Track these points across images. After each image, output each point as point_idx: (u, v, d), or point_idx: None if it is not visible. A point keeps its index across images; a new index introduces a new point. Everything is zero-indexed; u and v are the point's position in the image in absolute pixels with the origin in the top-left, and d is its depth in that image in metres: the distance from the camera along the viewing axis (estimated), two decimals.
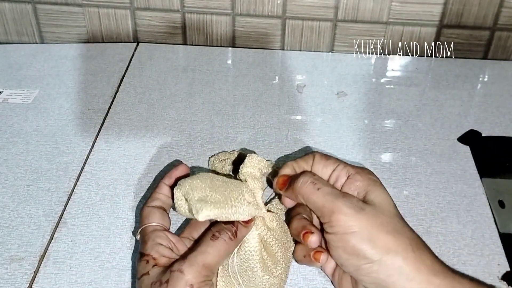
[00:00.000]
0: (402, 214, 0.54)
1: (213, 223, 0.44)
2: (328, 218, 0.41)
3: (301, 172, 0.46)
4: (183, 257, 0.40)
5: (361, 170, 0.45)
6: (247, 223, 0.43)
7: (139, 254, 0.42)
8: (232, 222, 0.42)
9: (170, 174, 0.48)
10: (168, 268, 0.39)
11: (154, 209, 0.45)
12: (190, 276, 0.38)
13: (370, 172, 0.45)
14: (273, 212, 0.47)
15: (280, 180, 0.46)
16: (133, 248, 0.50)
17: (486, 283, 0.46)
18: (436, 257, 0.41)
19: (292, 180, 0.45)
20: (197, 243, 0.42)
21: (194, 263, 0.39)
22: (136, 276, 0.41)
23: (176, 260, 0.40)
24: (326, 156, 0.47)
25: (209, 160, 0.58)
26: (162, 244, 0.42)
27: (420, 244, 0.41)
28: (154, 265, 0.40)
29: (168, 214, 0.46)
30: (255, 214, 0.43)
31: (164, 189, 0.47)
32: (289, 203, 0.47)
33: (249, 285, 0.43)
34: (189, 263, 0.39)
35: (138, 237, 0.44)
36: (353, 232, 0.40)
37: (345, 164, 0.45)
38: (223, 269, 0.44)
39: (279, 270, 0.43)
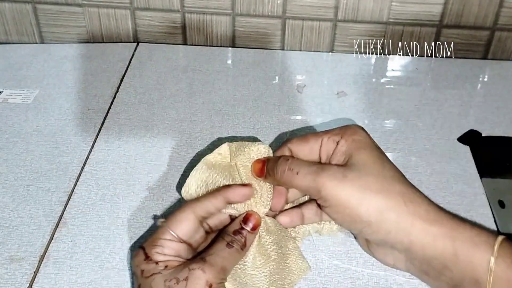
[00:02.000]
0: None
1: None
2: (318, 196, 0.42)
3: (277, 157, 0.45)
4: (201, 258, 0.40)
5: (345, 132, 0.44)
6: (255, 229, 0.43)
7: (144, 255, 0.41)
8: (240, 232, 0.42)
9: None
10: (184, 266, 0.40)
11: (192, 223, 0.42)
12: (211, 276, 0.39)
13: (355, 132, 0.44)
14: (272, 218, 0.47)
15: (256, 167, 0.46)
16: (132, 249, 0.49)
17: (488, 228, 0.46)
18: (433, 206, 0.41)
19: (269, 167, 0.45)
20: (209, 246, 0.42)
21: (214, 264, 0.40)
22: (141, 275, 0.40)
23: (194, 259, 0.40)
24: (304, 138, 0.46)
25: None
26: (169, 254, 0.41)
27: (411, 196, 0.41)
28: (165, 266, 0.40)
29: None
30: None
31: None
32: (287, 223, 0.47)
33: (241, 281, 0.43)
34: (210, 263, 0.40)
35: (161, 223, 0.43)
36: (343, 202, 0.41)
37: (329, 133, 0.45)
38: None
39: (271, 270, 0.43)
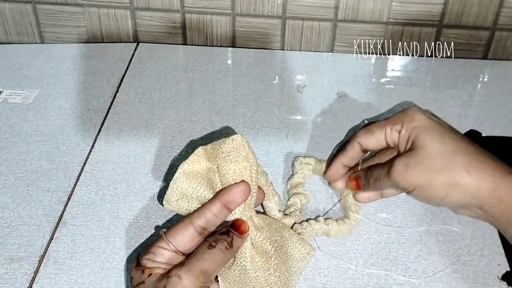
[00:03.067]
0: (402, 214, 0.54)
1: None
2: (400, 188, 0.47)
3: (365, 171, 0.51)
4: (181, 264, 0.40)
5: (403, 120, 0.48)
6: (242, 233, 0.42)
7: (135, 262, 0.41)
8: (227, 233, 0.42)
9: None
10: (165, 275, 0.39)
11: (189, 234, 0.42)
12: (187, 282, 0.38)
13: (412, 118, 0.48)
14: (262, 213, 0.46)
15: (352, 185, 0.53)
16: (132, 248, 0.50)
17: None
18: (498, 168, 0.44)
19: (364, 183, 0.51)
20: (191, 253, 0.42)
21: (191, 269, 0.39)
22: (130, 283, 0.41)
23: (174, 267, 0.40)
24: (369, 130, 0.50)
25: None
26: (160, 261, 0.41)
27: (475, 164, 0.44)
28: (150, 274, 0.40)
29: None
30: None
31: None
32: (366, 199, 0.53)
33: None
34: (187, 268, 0.39)
35: (161, 232, 0.42)
36: (415, 186, 0.45)
37: (391, 122, 0.49)
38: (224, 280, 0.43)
39: (274, 266, 0.43)
